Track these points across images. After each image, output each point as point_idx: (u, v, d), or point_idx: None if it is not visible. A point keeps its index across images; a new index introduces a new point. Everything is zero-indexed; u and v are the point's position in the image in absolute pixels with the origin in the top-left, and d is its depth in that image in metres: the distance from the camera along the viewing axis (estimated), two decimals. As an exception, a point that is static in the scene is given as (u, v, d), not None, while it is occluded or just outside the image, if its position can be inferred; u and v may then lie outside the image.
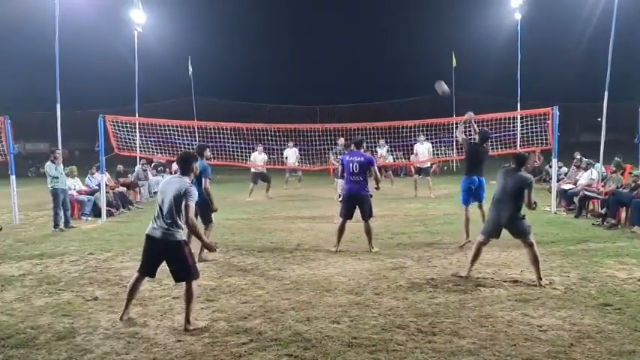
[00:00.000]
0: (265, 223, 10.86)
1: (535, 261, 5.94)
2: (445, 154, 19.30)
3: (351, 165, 7.80)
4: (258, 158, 15.23)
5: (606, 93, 12.56)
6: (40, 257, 7.81)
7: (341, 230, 7.92)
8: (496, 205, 6.05)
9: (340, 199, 10.51)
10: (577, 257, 7.21)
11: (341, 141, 14.26)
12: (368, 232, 7.88)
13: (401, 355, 4.13)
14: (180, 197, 4.68)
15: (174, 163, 16.81)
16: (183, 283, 4.81)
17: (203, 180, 7.34)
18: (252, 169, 15.46)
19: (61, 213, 10.52)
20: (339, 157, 11.78)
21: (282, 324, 4.82)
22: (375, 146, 16.88)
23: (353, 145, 8.20)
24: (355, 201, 7.87)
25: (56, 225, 10.31)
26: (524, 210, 6.04)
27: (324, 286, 6.02)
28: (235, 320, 4.95)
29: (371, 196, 7.94)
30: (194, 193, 4.73)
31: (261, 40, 39.71)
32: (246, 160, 15.36)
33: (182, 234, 4.79)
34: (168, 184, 4.87)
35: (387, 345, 4.30)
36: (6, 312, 5.30)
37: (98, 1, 18.50)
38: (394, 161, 19.21)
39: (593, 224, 9.84)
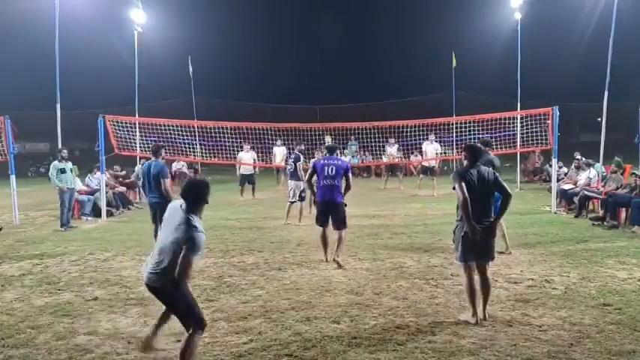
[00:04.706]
0: (265, 223, 10.86)
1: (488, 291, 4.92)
2: (445, 153, 19.31)
3: (327, 168, 7.23)
4: (245, 157, 15.17)
5: (606, 93, 12.54)
6: (40, 257, 7.82)
7: (324, 239, 7.24)
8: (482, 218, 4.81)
9: (292, 199, 10.59)
10: (577, 257, 7.22)
11: (328, 139, 14.25)
12: (340, 240, 7.17)
13: (401, 355, 4.13)
14: None
15: (174, 163, 17.10)
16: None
17: (162, 181, 7.38)
18: (241, 172, 15.36)
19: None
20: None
21: (282, 324, 4.83)
22: (385, 144, 16.96)
23: (326, 152, 7.75)
24: (329, 209, 7.20)
25: (63, 224, 10.35)
26: None
27: (324, 286, 6.02)
28: (235, 320, 4.96)
29: (345, 205, 7.29)
30: None
31: (261, 40, 39.67)
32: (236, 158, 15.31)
33: None
34: None
35: (387, 345, 4.31)
36: (6, 312, 5.31)
37: (98, 1, 18.44)
38: (401, 159, 19.22)
39: (592, 224, 9.84)
